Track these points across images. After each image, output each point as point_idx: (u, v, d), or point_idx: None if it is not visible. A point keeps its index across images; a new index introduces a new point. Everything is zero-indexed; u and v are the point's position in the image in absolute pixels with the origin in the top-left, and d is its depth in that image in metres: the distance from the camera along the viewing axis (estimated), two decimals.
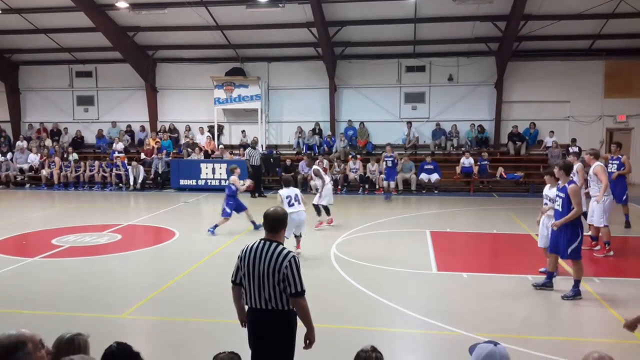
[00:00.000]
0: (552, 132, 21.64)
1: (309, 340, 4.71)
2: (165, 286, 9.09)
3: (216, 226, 13.14)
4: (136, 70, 24.01)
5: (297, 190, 11.10)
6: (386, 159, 19.54)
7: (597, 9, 18.58)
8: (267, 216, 4.75)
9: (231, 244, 11.82)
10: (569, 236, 8.31)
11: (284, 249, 4.61)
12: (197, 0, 20.13)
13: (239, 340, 5.07)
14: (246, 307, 4.82)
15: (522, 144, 21.97)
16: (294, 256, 4.57)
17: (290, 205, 10.68)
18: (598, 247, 11.24)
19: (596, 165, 10.92)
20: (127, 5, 20.14)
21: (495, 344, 3.26)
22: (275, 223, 4.73)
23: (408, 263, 10.39)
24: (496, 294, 8.80)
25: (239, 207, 13.57)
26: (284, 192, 10.96)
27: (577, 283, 8.37)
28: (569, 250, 8.34)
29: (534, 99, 22.40)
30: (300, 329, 4.71)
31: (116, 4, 20.07)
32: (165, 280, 9.38)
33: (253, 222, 13.45)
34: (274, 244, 4.63)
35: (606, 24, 20.08)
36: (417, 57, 23.07)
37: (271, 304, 4.56)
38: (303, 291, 4.55)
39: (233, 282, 4.81)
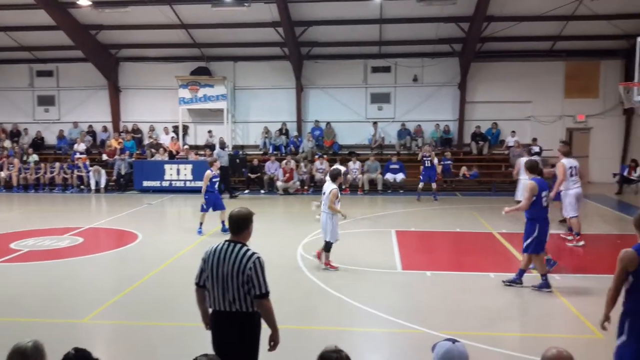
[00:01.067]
0: (514, 132, 22.06)
1: (274, 342, 4.69)
2: (127, 290, 8.95)
3: (201, 224, 13.06)
4: (99, 69, 23.57)
5: (329, 188, 9.83)
6: (424, 158, 18.84)
7: (558, 11, 19.01)
8: (231, 217, 4.71)
9: (196, 246, 11.70)
10: (526, 231, 8.66)
11: (248, 250, 4.57)
12: None
13: (204, 343, 5.02)
14: (210, 310, 4.77)
15: (485, 143, 22.34)
16: (258, 257, 4.54)
17: (323, 204, 9.97)
18: (570, 237, 11.82)
19: (559, 162, 11.68)
20: (90, 3, 19.74)
21: (454, 341, 3.31)
22: (239, 224, 4.67)
23: (373, 263, 10.46)
24: (460, 292, 8.92)
25: (217, 206, 13.22)
26: (324, 187, 10.15)
27: (543, 277, 8.66)
28: (524, 245, 8.69)
29: (496, 99, 22.79)
30: (265, 331, 4.69)
31: (78, 2, 19.64)
32: (128, 284, 9.23)
33: (223, 223, 13.16)
34: (238, 245, 4.58)
35: (566, 26, 20.56)
36: (383, 58, 23.24)
37: (235, 306, 4.52)
38: (267, 292, 4.52)
39: (197, 284, 4.75)
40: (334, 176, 10.02)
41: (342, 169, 14.25)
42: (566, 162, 11.75)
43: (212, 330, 4.75)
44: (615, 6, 19.03)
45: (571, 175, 11.73)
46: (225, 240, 4.67)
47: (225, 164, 19.79)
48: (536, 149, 20.58)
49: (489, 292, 8.92)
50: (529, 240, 8.63)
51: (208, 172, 13.14)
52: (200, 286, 4.72)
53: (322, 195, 10.03)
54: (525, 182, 11.42)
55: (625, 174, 20.22)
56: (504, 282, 9.04)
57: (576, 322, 7.55)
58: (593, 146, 22.82)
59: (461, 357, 3.24)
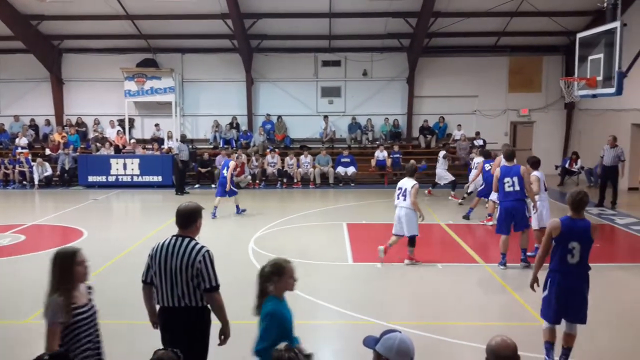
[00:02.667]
0: (460, 125, 22.55)
1: (224, 335, 4.71)
2: None
3: (216, 208, 14.40)
4: (40, 61, 22.71)
5: (410, 184, 9.61)
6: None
7: (502, 7, 19.48)
8: (178, 211, 4.67)
9: (143, 243, 11.49)
10: None
11: (197, 244, 4.54)
12: None
13: (152, 341, 4.94)
14: (158, 307, 4.71)
15: (432, 137, 22.76)
16: (207, 250, 4.53)
17: (397, 198, 9.75)
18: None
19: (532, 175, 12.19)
20: None
21: (393, 331, 3.34)
22: (186, 218, 4.63)
23: (325, 255, 10.53)
24: (409, 283, 9.09)
25: (231, 192, 14.57)
26: (400, 182, 9.89)
27: (502, 255, 9.73)
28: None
29: (443, 93, 23.22)
30: (215, 327, 4.67)
31: None
32: None
33: (237, 207, 14.95)
34: (186, 240, 4.55)
35: (510, 22, 21.12)
36: (333, 52, 23.31)
37: (184, 301, 4.49)
38: (218, 286, 4.53)
39: (144, 281, 4.70)
40: (413, 171, 9.89)
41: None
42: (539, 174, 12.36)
43: (161, 327, 4.70)
44: (556, 3, 19.66)
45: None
46: (173, 235, 4.63)
47: (186, 158, 19.41)
48: (480, 142, 21.17)
49: (437, 282, 9.13)
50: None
51: (232, 162, 14.69)
52: (147, 283, 4.68)
53: (397, 190, 9.76)
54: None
55: (566, 166, 20.98)
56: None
57: (521, 310, 7.81)
58: (536, 139, 23.58)
59: (401, 346, 3.27)
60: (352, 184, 20.73)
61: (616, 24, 10.99)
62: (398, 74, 23.29)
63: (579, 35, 12.60)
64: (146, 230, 12.80)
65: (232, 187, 14.52)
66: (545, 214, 10.09)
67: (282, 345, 3.47)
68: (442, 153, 18.25)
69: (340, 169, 20.76)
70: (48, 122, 23.53)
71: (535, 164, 10.03)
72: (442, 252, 11.15)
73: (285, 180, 20.61)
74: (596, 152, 18.70)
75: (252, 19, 21.15)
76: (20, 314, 7.57)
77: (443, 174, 17.85)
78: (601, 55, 11.49)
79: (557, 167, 21.61)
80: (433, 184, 18.11)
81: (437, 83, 23.22)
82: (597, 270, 9.52)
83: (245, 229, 13.02)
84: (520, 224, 9.72)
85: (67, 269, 4.07)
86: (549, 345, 5.99)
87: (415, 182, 9.61)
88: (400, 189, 9.68)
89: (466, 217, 14.02)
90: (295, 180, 20.57)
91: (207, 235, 12.45)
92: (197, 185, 20.60)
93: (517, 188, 9.55)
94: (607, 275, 9.35)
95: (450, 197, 17.24)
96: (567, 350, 5.95)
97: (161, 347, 4.74)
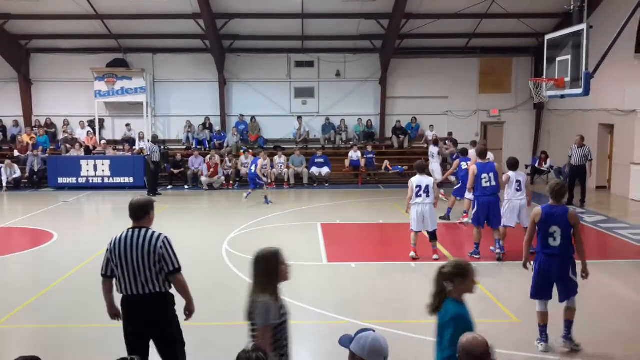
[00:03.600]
0: (432, 126, 22.77)
1: (189, 311, 5.03)
2: (42, 292, 8.57)
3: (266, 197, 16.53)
4: (7, 60, 22.22)
5: (430, 180, 10.03)
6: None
7: (472, 9, 19.74)
8: (131, 205, 4.92)
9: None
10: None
11: (154, 232, 4.80)
12: None
13: (122, 344, 4.90)
14: (120, 297, 4.87)
15: (405, 137, 22.93)
16: (165, 237, 4.80)
17: (418, 195, 9.91)
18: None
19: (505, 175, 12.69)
20: None
21: (368, 330, 3.37)
22: (139, 211, 4.89)
23: (300, 256, 10.53)
24: (383, 282, 9.16)
25: (260, 185, 16.72)
26: (415, 179, 10.01)
27: (475, 244, 10.39)
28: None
29: (415, 94, 23.41)
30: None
31: None
32: (43, 286, 8.84)
33: (265, 198, 16.70)
34: (143, 230, 4.80)
35: (480, 24, 21.41)
36: (306, 53, 23.32)
37: (148, 287, 4.71)
38: (180, 267, 4.81)
39: (103, 275, 4.90)
40: (423, 168, 10.35)
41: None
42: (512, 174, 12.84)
43: (126, 318, 4.85)
44: (525, 5, 20.01)
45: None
46: (128, 228, 4.85)
47: (158, 159, 19.13)
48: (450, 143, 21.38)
49: (410, 280, 9.21)
50: (472, 215, 10.38)
51: (260, 159, 16.87)
52: (108, 277, 4.88)
53: (416, 188, 9.94)
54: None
55: (536, 165, 21.37)
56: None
57: (492, 307, 7.93)
58: (506, 139, 23.93)
59: (373, 344, 3.29)
60: (326, 184, 20.77)
61: (583, 26, 11.22)
62: (371, 75, 23.42)
63: (547, 37, 12.83)
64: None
65: (258, 180, 16.57)
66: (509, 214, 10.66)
67: (249, 344, 3.47)
68: (435, 149, 18.91)
69: (314, 170, 20.78)
70: (16, 123, 23.04)
71: (512, 165, 10.51)
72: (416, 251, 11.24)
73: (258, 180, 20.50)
74: (565, 151, 19.06)
75: (224, 19, 21.04)
76: None
77: (437, 168, 18.31)
78: (569, 57, 11.72)
79: (527, 166, 21.96)
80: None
81: (409, 84, 23.41)
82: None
83: (219, 230, 12.95)
84: (495, 221, 10.25)
85: (273, 269, 4.17)
86: (542, 328, 6.52)
87: (431, 178, 10.36)
88: (419, 186, 9.94)
89: (445, 217, 14.04)
90: (269, 181, 20.49)
91: (181, 237, 12.40)
92: (169, 187, 20.41)
93: (494, 183, 10.17)
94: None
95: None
96: (568, 323, 6.48)
97: (124, 344, 4.78)
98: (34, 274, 10.02)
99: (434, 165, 18.40)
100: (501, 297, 8.19)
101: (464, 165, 13.94)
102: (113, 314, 4.99)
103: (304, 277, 9.40)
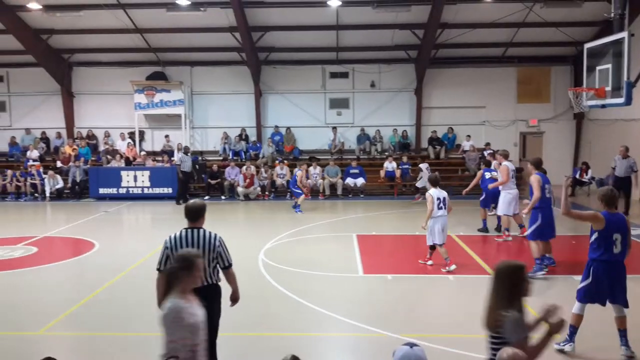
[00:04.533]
0: (469, 136, 22.53)
1: (236, 299, 5.72)
2: (84, 300, 8.76)
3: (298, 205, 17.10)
4: (51, 74, 22.99)
5: (444, 193, 10.19)
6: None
7: (509, 18, 19.54)
8: (187, 208, 5.57)
9: (154, 255, 11.49)
10: (530, 220, 9.81)
11: (210, 232, 5.46)
12: (114, 3, 19.55)
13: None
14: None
15: (441, 148, 22.75)
16: (220, 236, 5.50)
17: (439, 208, 9.96)
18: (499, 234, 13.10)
19: (502, 165, 12.71)
20: (40, 6, 19.27)
21: (412, 345, 3.36)
22: (197, 213, 5.51)
23: (335, 267, 10.53)
24: (420, 295, 9.06)
25: (297, 194, 17.37)
26: (434, 192, 10.05)
27: (536, 260, 9.62)
28: (528, 232, 9.90)
29: (451, 104, 23.25)
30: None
31: (28, 5, 19.15)
32: (85, 294, 9.04)
33: (297, 206, 17.12)
34: (199, 230, 5.43)
35: (517, 33, 21.15)
36: (341, 64, 23.42)
37: (206, 280, 5.35)
38: (232, 263, 5.55)
39: (159, 270, 5.39)
40: (438, 180, 10.32)
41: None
42: (509, 165, 12.73)
43: None
44: (563, 14, 19.70)
45: (510, 177, 12.76)
46: (184, 228, 5.45)
47: (188, 169, 19.54)
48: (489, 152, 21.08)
49: (448, 294, 9.10)
50: (532, 227, 9.62)
51: (300, 172, 17.63)
52: (162, 272, 5.30)
53: (437, 201, 9.94)
54: (509, 192, 12.73)
55: (577, 176, 20.89)
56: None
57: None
58: (546, 150, 23.47)
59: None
60: (361, 195, 20.73)
61: (624, 34, 10.99)
62: (406, 85, 23.35)
63: (587, 45, 12.60)
64: (157, 242, 12.75)
65: (294, 189, 17.51)
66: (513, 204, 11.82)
67: (289, 355, 3.46)
68: (424, 165, 19.21)
69: (350, 180, 20.77)
70: (59, 135, 23.75)
71: (536, 164, 10.16)
72: (453, 264, 11.10)
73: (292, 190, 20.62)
74: (606, 162, 18.60)
75: (260, 31, 21.32)
76: (34, 325, 7.62)
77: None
78: (609, 66, 11.48)
79: (567, 177, 21.49)
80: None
81: (445, 94, 23.25)
82: None
83: (255, 240, 13.03)
84: (553, 232, 10.02)
85: (518, 284, 4.11)
86: (574, 329, 6.59)
87: (445, 191, 10.21)
88: (439, 199, 9.95)
89: (483, 229, 13.83)
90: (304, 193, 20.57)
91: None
92: (206, 197, 20.67)
93: (551, 195, 9.91)
94: None
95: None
96: (623, 332, 6.51)
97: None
98: (76, 282, 10.26)
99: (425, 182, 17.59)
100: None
101: (487, 175, 13.77)
102: None
103: (340, 288, 9.39)
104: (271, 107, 23.91)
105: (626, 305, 6.44)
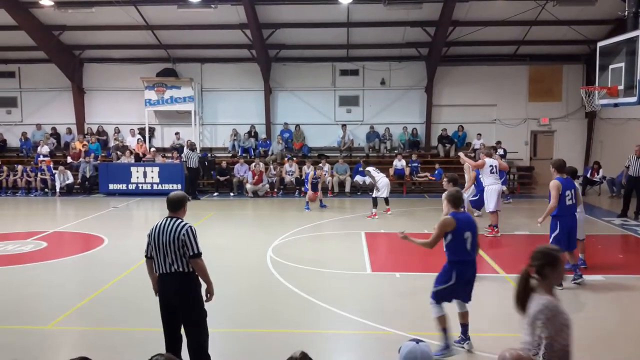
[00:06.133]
0: (480, 134, 22.41)
1: (209, 293, 5.73)
2: (94, 295, 8.80)
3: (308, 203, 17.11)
4: (62, 70, 23.08)
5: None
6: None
7: (521, 16, 19.39)
8: (168, 198, 5.76)
9: None
10: (550, 228, 9.21)
11: (182, 221, 5.60)
12: (125, 0, 19.60)
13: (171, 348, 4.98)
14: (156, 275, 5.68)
15: (451, 146, 22.64)
16: (190, 226, 5.56)
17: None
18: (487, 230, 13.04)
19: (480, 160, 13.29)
20: (52, 3, 19.35)
21: (418, 341, 3.34)
22: (176, 203, 5.72)
23: (343, 264, 10.50)
24: (428, 293, 8.99)
25: (316, 186, 17.34)
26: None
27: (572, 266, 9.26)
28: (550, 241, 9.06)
29: (462, 102, 23.12)
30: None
31: (40, 2, 19.23)
32: (94, 289, 9.07)
33: (320, 201, 17.41)
34: (174, 219, 5.61)
35: (529, 31, 20.99)
36: (351, 61, 23.36)
37: (174, 267, 5.49)
38: (200, 253, 5.54)
39: (146, 256, 5.75)
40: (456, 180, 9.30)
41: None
42: (488, 161, 13.05)
43: (159, 292, 5.67)
44: (576, 12, 19.52)
45: (491, 173, 12.99)
46: (166, 217, 5.67)
47: (195, 165, 19.60)
48: (500, 151, 20.94)
49: None
50: (551, 237, 9.08)
51: (311, 172, 17.80)
52: (148, 258, 5.72)
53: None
54: (492, 188, 12.91)
55: (588, 175, 20.71)
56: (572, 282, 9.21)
57: None
58: (557, 149, 23.32)
59: (424, 357, 3.26)
60: (370, 193, 20.64)
61: (637, 33, 10.87)
62: (416, 83, 23.26)
63: (600, 44, 12.47)
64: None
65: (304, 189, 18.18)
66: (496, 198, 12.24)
67: (297, 352, 3.45)
68: (372, 168, 17.01)
69: (358, 178, 20.71)
70: (69, 131, 23.87)
71: (559, 167, 9.34)
72: None
73: (303, 188, 20.62)
74: (618, 161, 18.45)
75: (270, 29, 21.30)
76: (43, 320, 7.65)
77: (385, 183, 16.35)
78: (622, 64, 11.36)
79: (578, 176, 21.31)
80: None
81: (455, 92, 23.13)
82: (622, 282, 9.44)
83: (263, 237, 13.03)
84: (575, 241, 9.37)
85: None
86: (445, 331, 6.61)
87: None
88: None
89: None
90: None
91: (225, 243, 12.55)
92: (215, 194, 20.72)
93: (574, 201, 9.16)
94: (631, 287, 9.21)
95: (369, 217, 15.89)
96: (465, 327, 6.85)
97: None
98: (85, 277, 10.30)
99: (383, 180, 16.39)
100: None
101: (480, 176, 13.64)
102: (156, 290, 5.74)
103: (348, 286, 9.36)
104: (281, 104, 23.90)
105: (469, 300, 6.69)
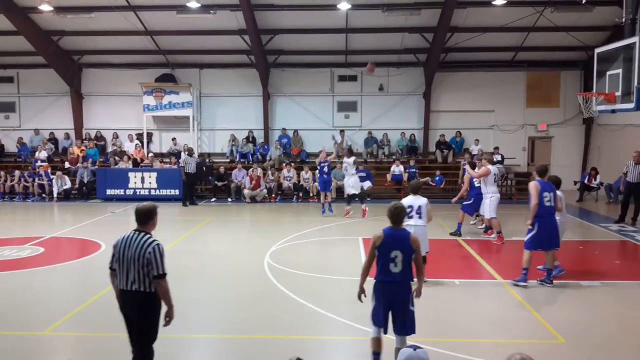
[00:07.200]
0: (478, 140, 22.45)
1: (169, 317, 5.40)
2: (90, 300, 8.76)
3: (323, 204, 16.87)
4: (61, 75, 23.10)
5: (423, 201, 9.25)
6: (321, 164, 17.12)
7: (519, 23, 19.47)
8: (137, 210, 5.47)
9: None
10: (528, 229, 9.36)
11: (149, 237, 5.31)
12: (125, 5, 19.65)
13: (166, 351, 4.96)
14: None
15: (449, 151, 22.67)
16: (158, 244, 5.28)
17: (409, 217, 9.03)
18: (493, 236, 13.14)
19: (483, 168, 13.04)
20: (52, 8, 19.38)
21: (415, 347, 3.34)
22: (144, 216, 5.44)
23: (341, 270, 10.47)
24: (425, 299, 8.97)
25: (327, 186, 17.00)
26: (406, 200, 9.18)
27: (523, 270, 9.31)
28: (525, 241, 9.39)
29: (460, 108, 23.17)
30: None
31: (39, 7, 19.27)
32: (91, 295, 9.04)
33: (329, 204, 16.89)
34: (142, 234, 5.33)
35: (527, 37, 21.07)
36: (349, 67, 23.41)
37: (135, 286, 5.23)
38: (165, 274, 5.25)
39: (110, 268, 5.46)
40: (418, 188, 9.42)
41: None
42: (492, 169, 12.90)
43: (120, 306, 5.44)
44: (574, 18, 19.60)
45: (494, 181, 13.02)
46: (133, 230, 5.40)
47: (192, 170, 19.57)
48: (498, 157, 21.00)
49: (454, 298, 9.03)
50: (528, 236, 9.21)
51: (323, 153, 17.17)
52: (113, 269, 5.45)
53: (408, 208, 9.03)
54: (495, 196, 12.91)
55: (585, 181, 20.76)
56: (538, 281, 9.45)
57: (539, 327, 7.70)
58: (554, 154, 23.40)
59: None
60: (368, 199, 20.63)
61: (635, 39, 10.91)
62: (414, 89, 23.31)
63: (597, 50, 12.52)
64: (162, 244, 12.82)
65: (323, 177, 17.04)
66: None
67: (294, 357, 3.45)
68: (351, 159, 16.78)
69: None
70: (67, 136, 23.87)
71: (540, 172, 9.54)
72: (459, 268, 11.05)
73: (301, 194, 20.62)
74: (615, 167, 18.48)
75: (269, 34, 21.36)
76: (40, 325, 7.62)
77: (353, 182, 16.70)
78: (620, 71, 11.40)
79: (576, 182, 21.37)
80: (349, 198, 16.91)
81: (453, 98, 23.19)
82: (619, 289, 9.43)
83: (261, 242, 13.01)
84: (557, 240, 9.45)
85: None
86: (376, 356, 6.15)
87: (425, 199, 9.33)
88: (411, 207, 9.08)
89: (456, 233, 13.69)
90: (311, 195, 20.57)
91: (223, 248, 12.53)
92: (213, 199, 20.70)
93: (553, 203, 9.23)
94: (629, 293, 9.21)
95: (346, 215, 16.54)
96: None
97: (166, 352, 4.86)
98: (82, 283, 10.26)
99: (351, 179, 16.77)
100: (548, 317, 7.95)
101: (476, 182, 13.56)
102: (120, 303, 5.49)
103: (345, 292, 9.33)
104: (279, 110, 23.93)
105: (406, 333, 5.94)
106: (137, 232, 5.37)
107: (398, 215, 6.11)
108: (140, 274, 5.22)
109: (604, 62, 12.17)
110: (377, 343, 6.10)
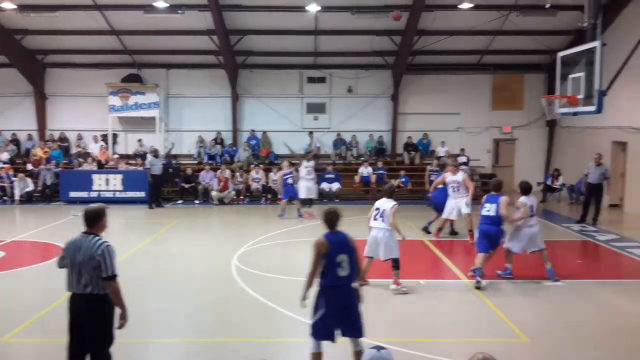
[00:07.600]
0: (444, 142, 22.71)
1: (123, 319, 5.37)
2: (53, 305, 8.56)
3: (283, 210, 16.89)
4: (24, 75, 22.55)
5: (389, 204, 9.12)
6: (285, 176, 17.25)
7: (485, 26, 19.78)
8: (85, 212, 5.45)
9: (124, 260, 11.33)
10: None
11: (99, 239, 5.28)
12: (90, 4, 19.30)
13: (134, 357, 4.89)
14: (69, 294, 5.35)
15: (416, 153, 22.89)
16: (107, 245, 5.23)
17: (374, 219, 9.16)
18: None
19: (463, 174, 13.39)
20: (15, 6, 18.91)
21: (379, 348, 3.35)
22: (92, 218, 5.41)
23: (307, 272, 10.44)
24: (392, 299, 9.05)
25: (294, 195, 16.97)
26: (377, 202, 9.28)
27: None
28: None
29: (427, 111, 23.40)
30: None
31: (2, 5, 18.77)
32: (53, 300, 8.81)
33: (298, 211, 16.83)
34: (91, 236, 5.29)
35: (493, 41, 21.43)
36: (318, 69, 23.44)
37: (88, 289, 5.18)
38: (114, 275, 5.21)
39: (61, 267, 5.42)
40: (392, 192, 9.36)
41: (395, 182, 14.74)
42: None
43: (69, 312, 5.34)
44: (538, 22, 20.00)
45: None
46: (82, 232, 5.35)
47: (158, 172, 19.31)
48: (463, 159, 21.30)
49: (420, 298, 9.11)
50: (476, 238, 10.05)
51: (280, 172, 17.51)
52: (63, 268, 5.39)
53: (375, 211, 9.20)
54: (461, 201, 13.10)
55: (548, 182, 21.18)
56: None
57: (503, 326, 7.82)
58: (518, 156, 23.82)
59: None
60: (337, 200, 20.70)
61: (596, 44, 11.20)
62: (383, 91, 23.47)
63: (560, 54, 12.81)
64: (127, 246, 12.60)
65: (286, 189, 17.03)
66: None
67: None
68: (310, 162, 17.67)
69: (325, 185, 20.76)
70: (30, 137, 23.31)
71: (525, 190, 9.97)
72: (425, 268, 11.16)
73: (269, 196, 20.56)
74: (577, 169, 18.92)
75: (238, 35, 21.25)
76: (0, 331, 7.43)
77: (310, 185, 17.49)
78: (582, 74, 11.69)
79: (539, 183, 21.77)
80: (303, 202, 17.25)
81: (421, 100, 23.42)
82: (581, 287, 9.65)
83: (229, 245, 12.93)
84: (495, 244, 9.97)
85: None
86: None
87: (395, 202, 9.24)
88: (377, 209, 9.17)
89: (426, 229, 13.98)
90: (279, 196, 20.47)
91: (190, 251, 12.40)
92: (179, 201, 20.47)
93: (493, 213, 9.65)
94: (590, 291, 9.42)
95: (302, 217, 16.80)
96: None
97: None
98: (43, 287, 10.02)
99: (309, 183, 17.47)
100: (511, 316, 8.08)
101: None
102: (70, 307, 5.40)
103: (312, 294, 9.32)
104: (248, 111, 23.81)
105: (360, 335, 5.91)
106: (86, 235, 5.32)
107: (332, 219, 6.26)
108: (93, 277, 5.17)
109: (567, 65, 12.47)
110: (318, 359, 5.90)
